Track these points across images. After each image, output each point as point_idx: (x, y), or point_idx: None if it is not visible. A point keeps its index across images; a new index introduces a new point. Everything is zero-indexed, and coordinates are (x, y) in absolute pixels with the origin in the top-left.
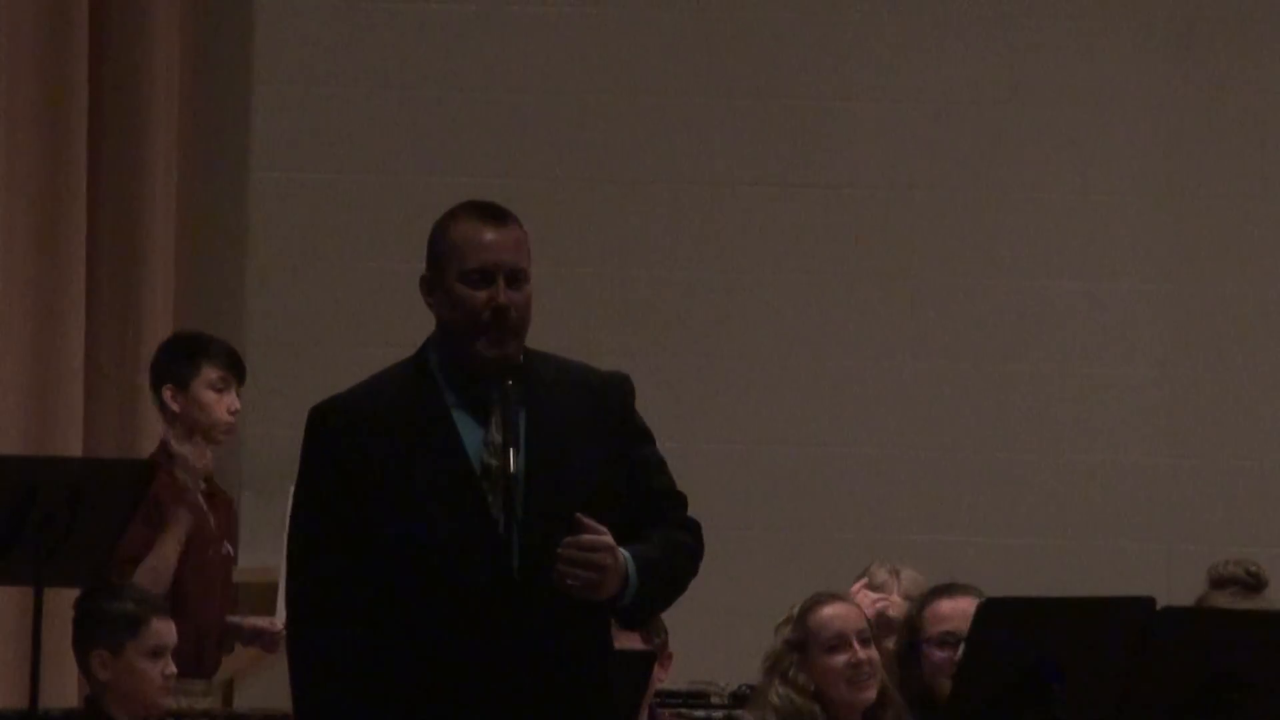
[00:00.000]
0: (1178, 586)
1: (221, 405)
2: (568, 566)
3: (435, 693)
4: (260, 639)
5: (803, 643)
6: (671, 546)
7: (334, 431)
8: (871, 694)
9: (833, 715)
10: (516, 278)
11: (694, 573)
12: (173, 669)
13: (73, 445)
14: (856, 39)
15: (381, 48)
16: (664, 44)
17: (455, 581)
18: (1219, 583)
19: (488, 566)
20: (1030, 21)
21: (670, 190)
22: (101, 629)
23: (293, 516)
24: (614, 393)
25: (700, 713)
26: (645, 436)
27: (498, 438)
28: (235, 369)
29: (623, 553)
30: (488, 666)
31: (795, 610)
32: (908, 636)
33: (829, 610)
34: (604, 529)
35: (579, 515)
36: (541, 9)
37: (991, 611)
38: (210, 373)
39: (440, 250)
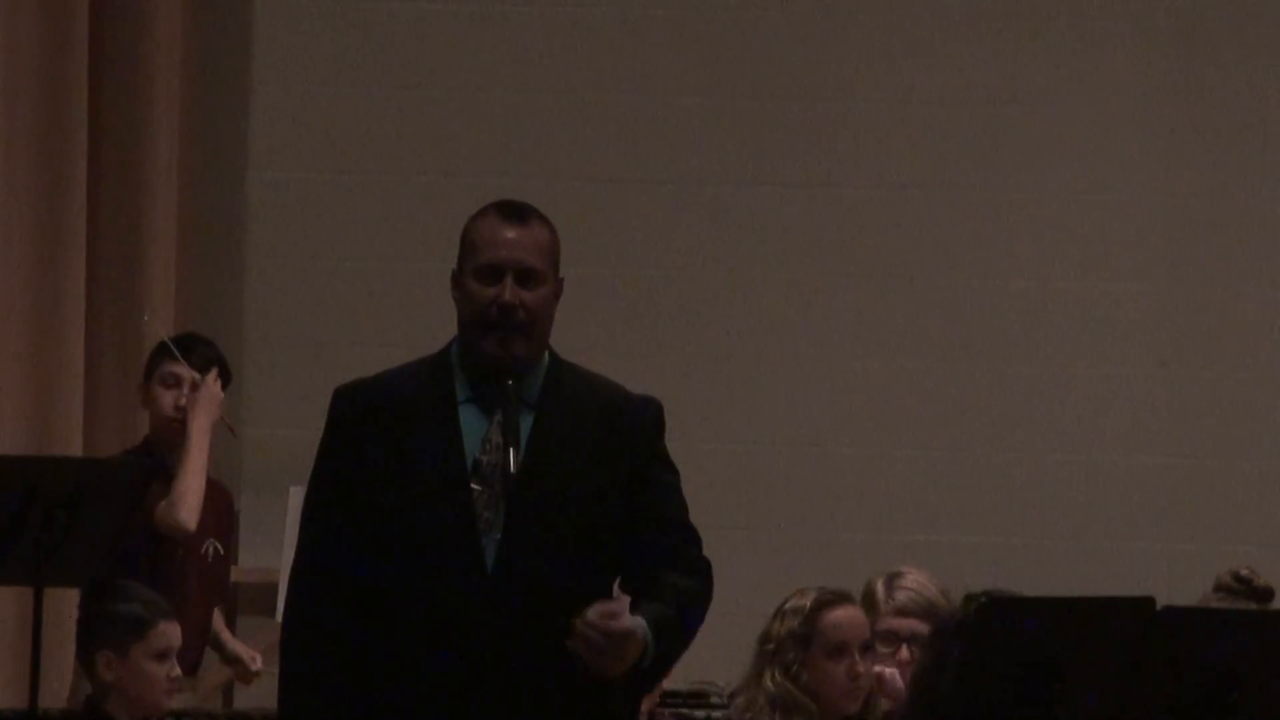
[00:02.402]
0: (1178, 586)
1: (167, 399)
2: (586, 645)
3: (411, 684)
4: (236, 666)
5: (808, 640)
6: (686, 598)
7: (346, 414)
8: (857, 706)
9: (821, 716)
10: (528, 277)
11: (703, 620)
12: (178, 671)
13: (73, 445)
14: (856, 39)
15: (381, 48)
16: (664, 44)
17: (431, 574)
18: (1216, 587)
19: (463, 561)
20: (1030, 21)
21: (670, 190)
22: (108, 630)
23: (307, 495)
24: (636, 416)
25: (700, 713)
26: (666, 464)
27: (496, 436)
28: (197, 368)
29: (640, 622)
30: (459, 661)
31: (806, 603)
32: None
33: (840, 614)
34: (625, 615)
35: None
36: (541, 9)
37: (991, 611)
38: (165, 369)
39: (463, 246)
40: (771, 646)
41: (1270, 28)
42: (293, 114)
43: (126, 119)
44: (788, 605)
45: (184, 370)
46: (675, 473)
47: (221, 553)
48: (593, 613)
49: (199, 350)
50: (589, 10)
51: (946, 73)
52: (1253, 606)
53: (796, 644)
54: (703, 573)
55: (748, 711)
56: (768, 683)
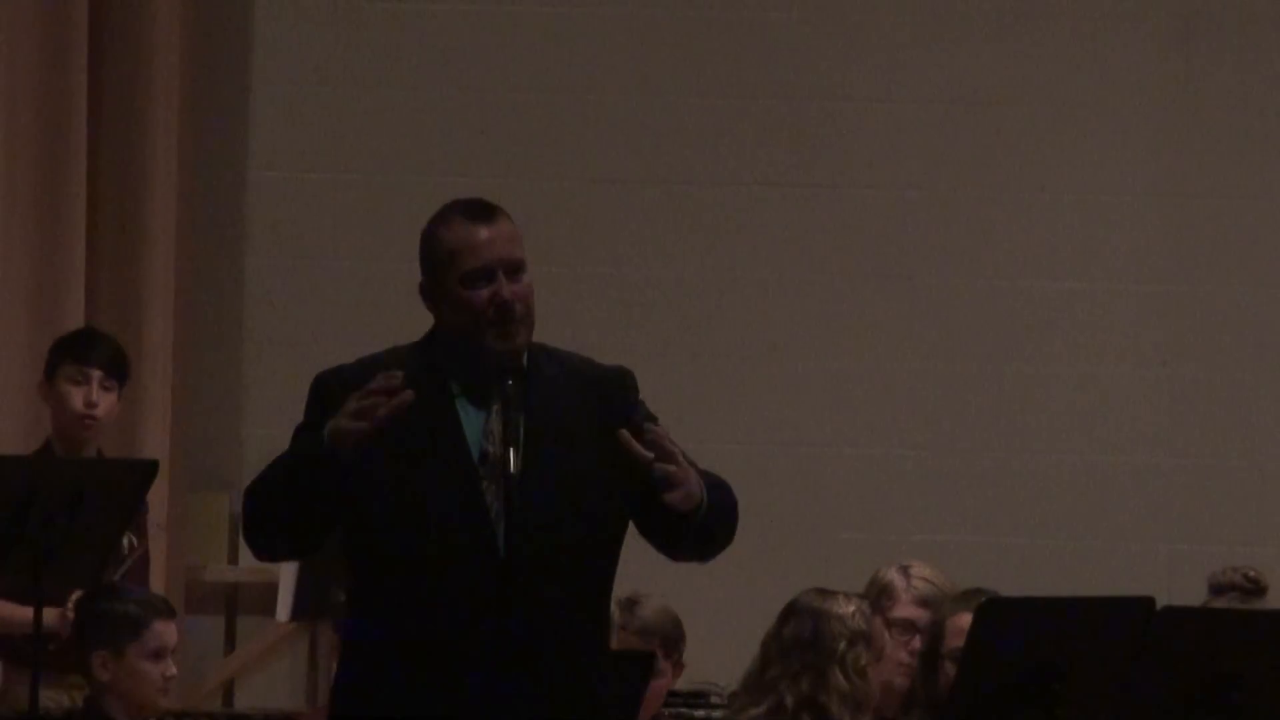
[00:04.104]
0: (1178, 586)
1: (76, 397)
2: (663, 455)
3: (422, 674)
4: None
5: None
6: (717, 481)
7: (337, 396)
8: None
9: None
10: (515, 270)
11: (737, 511)
12: (173, 670)
13: None
14: (856, 39)
15: (381, 48)
16: (664, 44)
17: (443, 565)
18: (1219, 589)
19: (476, 552)
20: (1030, 21)
21: (670, 190)
22: (103, 630)
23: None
24: (615, 387)
25: (700, 713)
26: (650, 420)
27: (498, 427)
28: (104, 364)
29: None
30: (473, 651)
31: (864, 608)
32: (929, 642)
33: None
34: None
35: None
36: (541, 9)
37: (991, 611)
38: (69, 366)
39: (435, 257)
40: (842, 645)
41: (1270, 28)
42: (293, 114)
43: (126, 119)
44: (845, 610)
45: (92, 369)
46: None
47: (135, 544)
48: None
49: (100, 347)
50: (589, 10)
51: (946, 73)
52: (1262, 605)
53: (865, 644)
54: (723, 482)
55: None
56: (839, 681)
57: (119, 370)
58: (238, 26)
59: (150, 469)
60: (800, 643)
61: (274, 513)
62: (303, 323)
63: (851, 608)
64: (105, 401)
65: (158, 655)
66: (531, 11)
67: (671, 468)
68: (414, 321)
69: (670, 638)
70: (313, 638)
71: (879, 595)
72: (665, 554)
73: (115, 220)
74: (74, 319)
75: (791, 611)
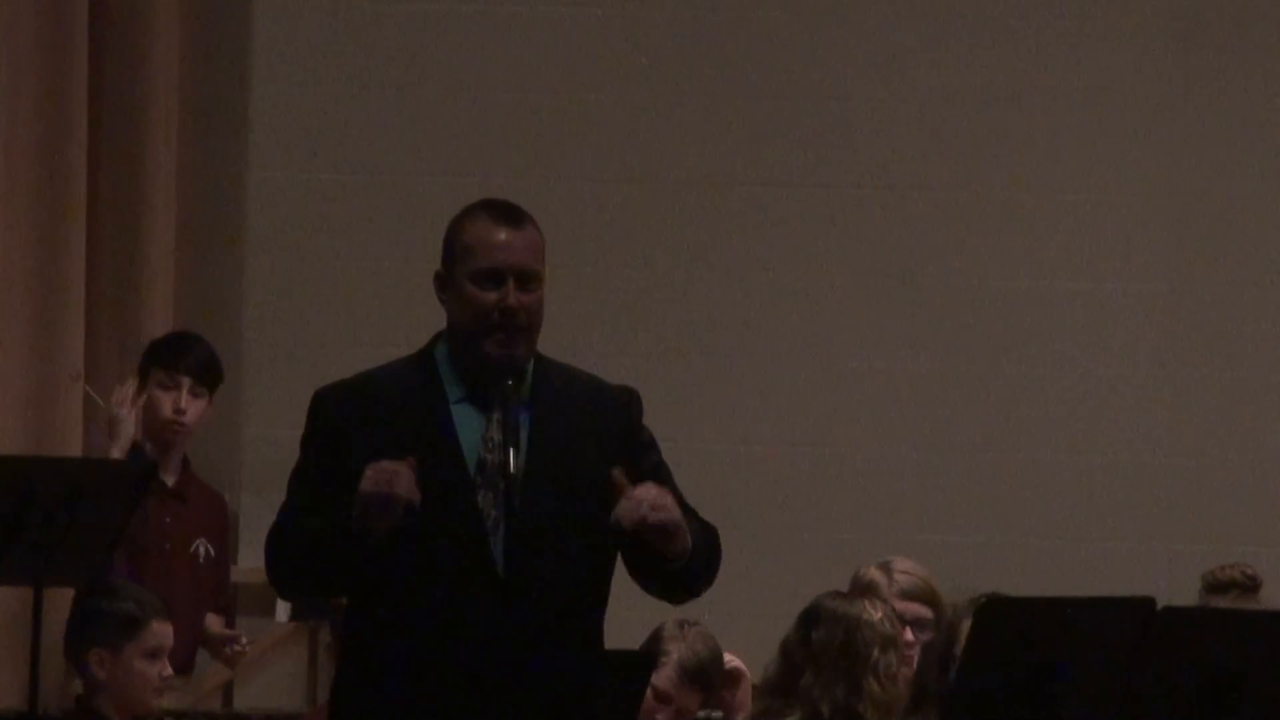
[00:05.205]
0: (1178, 586)
1: (166, 403)
2: (646, 509)
3: (424, 687)
4: (225, 649)
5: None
6: (702, 524)
7: (333, 415)
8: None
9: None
10: (527, 280)
11: (720, 557)
12: (169, 670)
13: (73, 445)
14: (856, 39)
15: (381, 48)
16: (664, 44)
17: (439, 574)
18: (1216, 587)
19: (472, 561)
20: (1030, 21)
21: (670, 190)
22: (101, 628)
23: (289, 488)
24: (620, 406)
25: (700, 712)
26: (653, 448)
27: (497, 435)
28: (194, 371)
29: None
30: (470, 661)
31: (886, 613)
32: (944, 644)
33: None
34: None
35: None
36: (541, 9)
37: (991, 611)
38: (160, 372)
39: (453, 248)
40: (875, 652)
41: (1270, 28)
42: (293, 114)
43: (126, 119)
44: (874, 617)
45: (182, 376)
46: (660, 453)
47: (213, 554)
48: (641, 498)
49: (191, 354)
50: (588, 10)
51: (946, 73)
52: (1258, 602)
53: (895, 649)
54: (710, 528)
55: None
56: (874, 688)
57: (210, 377)
58: (238, 26)
59: (149, 469)
60: (832, 650)
61: (307, 575)
62: (303, 323)
63: (879, 614)
64: (194, 408)
65: (154, 655)
66: (532, 11)
67: (663, 517)
68: (414, 322)
69: (710, 681)
70: (313, 638)
71: (863, 594)
72: (646, 590)
73: (115, 219)
74: (74, 319)
75: (817, 617)
